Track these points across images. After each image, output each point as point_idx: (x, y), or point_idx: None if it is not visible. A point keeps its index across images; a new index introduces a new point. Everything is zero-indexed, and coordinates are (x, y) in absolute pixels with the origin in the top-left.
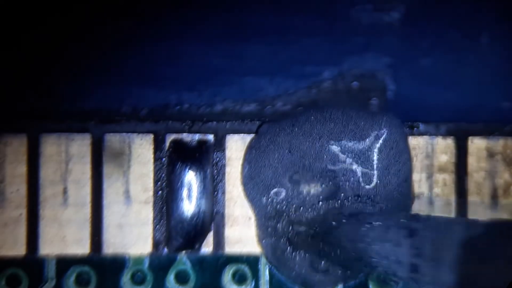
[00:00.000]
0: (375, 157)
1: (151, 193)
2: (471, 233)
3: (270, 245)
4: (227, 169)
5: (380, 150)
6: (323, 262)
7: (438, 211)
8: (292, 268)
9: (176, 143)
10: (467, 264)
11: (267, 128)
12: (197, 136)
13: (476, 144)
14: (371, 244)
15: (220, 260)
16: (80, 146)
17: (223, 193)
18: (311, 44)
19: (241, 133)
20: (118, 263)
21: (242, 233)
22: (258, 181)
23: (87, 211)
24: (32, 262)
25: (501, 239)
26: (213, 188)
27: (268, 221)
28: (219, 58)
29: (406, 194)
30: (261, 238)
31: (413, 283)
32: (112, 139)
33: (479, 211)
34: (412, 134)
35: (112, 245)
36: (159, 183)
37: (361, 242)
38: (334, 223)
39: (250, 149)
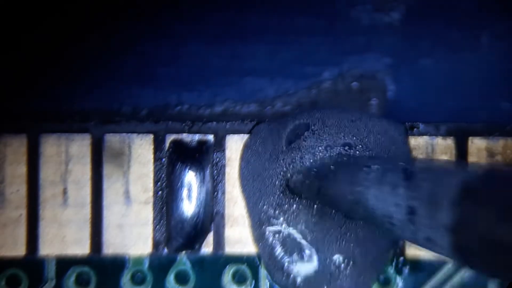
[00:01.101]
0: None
1: (151, 193)
2: (469, 177)
3: (268, 247)
4: (227, 169)
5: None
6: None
7: None
8: (289, 272)
9: (176, 144)
10: (464, 207)
11: (262, 128)
12: (197, 137)
13: (476, 145)
14: (369, 188)
15: (220, 261)
16: (80, 147)
17: (223, 193)
18: (311, 44)
19: (241, 133)
20: (118, 264)
21: (242, 234)
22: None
23: (87, 211)
24: (32, 262)
25: (501, 183)
26: (213, 188)
27: (265, 223)
28: (219, 58)
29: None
30: (257, 240)
31: (410, 225)
32: (112, 140)
33: None
34: (412, 135)
35: (112, 246)
36: (159, 183)
37: (358, 185)
38: (332, 166)
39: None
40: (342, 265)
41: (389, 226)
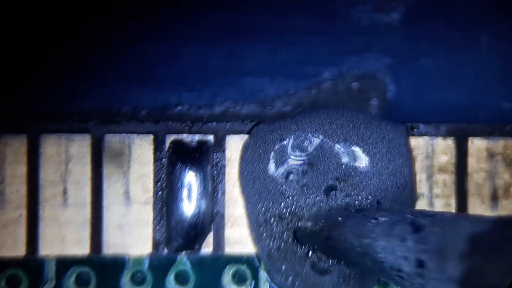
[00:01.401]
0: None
1: (151, 193)
2: (477, 229)
3: (266, 249)
4: (227, 169)
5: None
6: (324, 262)
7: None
8: (288, 273)
9: (176, 144)
10: (474, 260)
11: (262, 128)
12: (197, 137)
13: (476, 145)
14: (376, 240)
15: (220, 261)
16: (80, 147)
17: (223, 193)
18: (311, 44)
19: (241, 133)
20: (118, 264)
21: (242, 234)
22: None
23: (87, 211)
24: (32, 262)
25: (508, 235)
26: (213, 188)
27: (263, 224)
28: (219, 58)
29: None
30: (256, 241)
31: (419, 279)
32: (112, 140)
33: (479, 211)
34: (412, 135)
35: (112, 246)
36: (159, 183)
37: (366, 237)
38: (340, 218)
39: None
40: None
41: (397, 279)
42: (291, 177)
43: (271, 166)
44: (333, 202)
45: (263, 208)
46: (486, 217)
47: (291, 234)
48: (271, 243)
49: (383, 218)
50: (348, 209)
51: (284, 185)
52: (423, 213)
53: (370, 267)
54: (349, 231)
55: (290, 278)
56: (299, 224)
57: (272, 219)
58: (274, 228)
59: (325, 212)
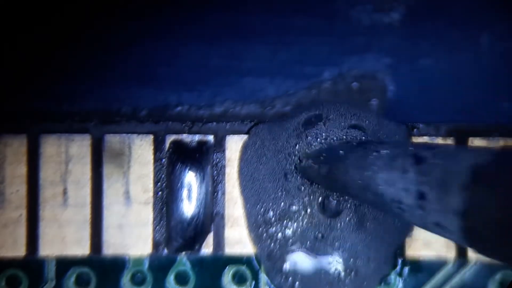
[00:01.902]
0: None
1: (151, 194)
2: (480, 161)
3: (266, 250)
4: (227, 170)
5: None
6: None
7: None
8: (288, 275)
9: (176, 144)
10: (476, 192)
11: (261, 128)
12: (197, 137)
13: (476, 145)
14: (378, 172)
15: (220, 261)
16: (80, 147)
17: (223, 194)
18: (311, 44)
19: (241, 134)
20: (118, 264)
21: (242, 234)
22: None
23: (87, 212)
24: (32, 263)
25: (511, 167)
26: (213, 189)
27: (262, 225)
28: (219, 58)
29: None
30: (256, 242)
31: (420, 210)
32: (112, 140)
33: None
34: (412, 135)
35: (112, 246)
36: (159, 184)
37: (368, 170)
38: (341, 151)
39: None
40: (343, 273)
41: (398, 211)
42: (290, 177)
43: (270, 167)
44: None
45: (262, 209)
46: (489, 149)
47: (293, 169)
48: (272, 244)
49: (385, 151)
50: (349, 142)
51: (283, 186)
52: (425, 146)
53: (371, 200)
54: (350, 164)
55: (290, 278)
56: (301, 162)
57: (272, 219)
58: (274, 229)
59: (327, 146)
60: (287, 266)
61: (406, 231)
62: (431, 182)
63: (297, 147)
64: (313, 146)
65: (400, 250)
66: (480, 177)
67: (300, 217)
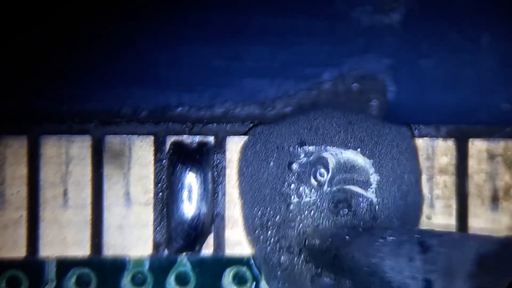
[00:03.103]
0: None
1: (151, 195)
2: (485, 249)
3: (263, 252)
4: (227, 171)
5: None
6: (324, 277)
7: (439, 213)
8: (284, 280)
9: (176, 145)
10: (481, 280)
11: (261, 130)
12: (197, 138)
13: (477, 146)
14: (384, 259)
15: (221, 262)
16: (80, 148)
17: (224, 195)
18: (311, 45)
19: (242, 135)
20: (118, 265)
21: (242, 235)
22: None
23: (87, 213)
24: (32, 264)
25: None
26: (213, 190)
27: (258, 227)
28: (219, 59)
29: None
30: (253, 245)
31: None
32: (112, 141)
33: (480, 213)
34: (414, 136)
35: (112, 247)
36: (159, 185)
37: (374, 256)
38: (347, 237)
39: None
40: None
41: None
42: (289, 181)
43: (269, 170)
44: (338, 217)
45: (259, 212)
46: (493, 237)
47: (297, 251)
48: (268, 248)
49: (391, 238)
50: (355, 228)
51: (282, 191)
52: (430, 233)
53: (378, 287)
54: (356, 250)
55: (287, 284)
56: (306, 242)
57: (269, 223)
58: (270, 233)
59: (332, 231)
60: (284, 271)
61: None
62: (438, 270)
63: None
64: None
65: None
66: (485, 266)
67: (297, 222)
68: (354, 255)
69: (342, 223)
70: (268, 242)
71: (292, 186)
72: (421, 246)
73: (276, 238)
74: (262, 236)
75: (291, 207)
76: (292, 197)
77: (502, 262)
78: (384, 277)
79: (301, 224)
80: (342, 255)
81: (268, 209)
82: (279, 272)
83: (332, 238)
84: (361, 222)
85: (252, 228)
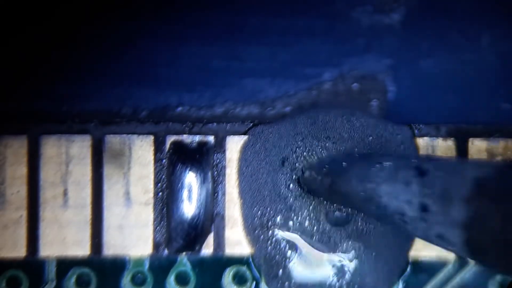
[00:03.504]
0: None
1: (151, 194)
2: (482, 174)
3: (263, 252)
4: (228, 170)
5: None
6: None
7: None
8: (284, 280)
9: (176, 145)
10: (478, 204)
11: (261, 129)
12: (197, 138)
13: (477, 146)
14: (381, 184)
15: (221, 262)
16: (80, 148)
17: (224, 194)
18: (311, 45)
19: (242, 134)
20: (118, 265)
21: (242, 235)
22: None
23: (87, 212)
24: (32, 263)
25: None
26: (213, 189)
27: (258, 227)
28: (219, 59)
29: None
30: (253, 245)
31: (423, 223)
32: (112, 141)
33: None
34: (415, 136)
35: (112, 247)
36: (159, 184)
37: (370, 182)
38: (344, 163)
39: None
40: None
41: (401, 223)
42: (288, 182)
43: (268, 170)
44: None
45: (259, 212)
46: (492, 162)
47: (296, 182)
48: (268, 247)
49: (388, 163)
50: (352, 154)
51: (281, 190)
52: (428, 158)
53: (373, 212)
54: (353, 176)
55: (286, 283)
56: (304, 173)
57: (269, 223)
58: (270, 233)
59: (329, 158)
60: (283, 271)
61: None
62: (434, 194)
63: (296, 152)
64: (314, 154)
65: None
66: (482, 190)
67: (298, 224)
68: (351, 181)
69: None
70: (268, 242)
71: (291, 186)
72: (418, 170)
73: (276, 238)
74: (262, 236)
75: (291, 207)
76: (292, 197)
77: (500, 187)
78: (380, 202)
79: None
80: (338, 182)
81: (268, 209)
82: (279, 272)
83: (328, 164)
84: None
85: (252, 228)
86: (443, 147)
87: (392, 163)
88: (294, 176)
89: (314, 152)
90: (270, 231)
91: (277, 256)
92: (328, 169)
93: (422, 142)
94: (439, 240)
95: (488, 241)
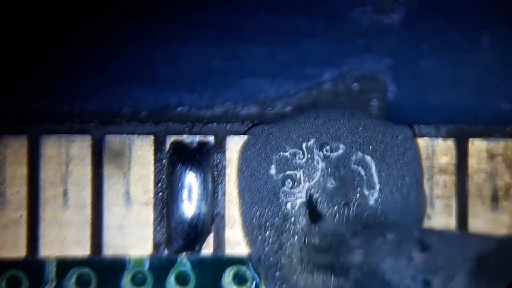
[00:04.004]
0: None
1: (151, 194)
2: (485, 249)
3: (261, 253)
4: (227, 170)
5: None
6: (328, 279)
7: (439, 213)
8: (281, 281)
9: (176, 145)
10: (480, 280)
11: (261, 129)
12: (197, 138)
13: (477, 146)
14: (384, 258)
15: (221, 262)
16: (80, 148)
17: (224, 194)
18: (312, 45)
19: (242, 134)
20: (118, 265)
21: (242, 235)
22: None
23: (87, 212)
24: (32, 263)
25: None
26: (213, 189)
27: (256, 228)
28: (219, 59)
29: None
30: (251, 245)
31: None
32: (113, 141)
33: (480, 212)
34: (415, 135)
35: (112, 247)
36: (159, 184)
37: (374, 255)
38: (347, 235)
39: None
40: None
41: None
42: (288, 183)
43: (268, 170)
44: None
45: (257, 212)
46: (493, 236)
47: (297, 250)
48: (266, 248)
49: (391, 236)
50: (356, 226)
51: (280, 192)
52: (430, 232)
53: (375, 285)
54: (356, 248)
55: (284, 285)
56: (305, 240)
57: (267, 224)
58: (269, 233)
59: (332, 229)
60: (281, 273)
61: None
62: (437, 270)
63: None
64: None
65: None
66: (485, 266)
67: (294, 226)
68: (354, 254)
69: (343, 221)
70: (266, 243)
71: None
72: (421, 244)
73: (275, 238)
74: (260, 237)
75: (290, 207)
76: (292, 197)
77: (502, 262)
78: (383, 277)
79: (299, 225)
80: (341, 254)
81: (267, 209)
82: (277, 273)
83: (332, 236)
84: (362, 221)
85: (250, 228)
86: (443, 147)
87: (396, 237)
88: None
89: (314, 153)
90: (268, 232)
91: (275, 257)
92: (331, 241)
93: (422, 142)
94: None
95: None
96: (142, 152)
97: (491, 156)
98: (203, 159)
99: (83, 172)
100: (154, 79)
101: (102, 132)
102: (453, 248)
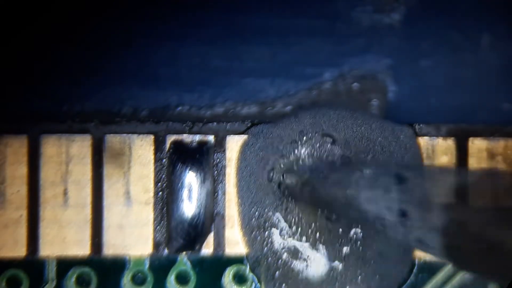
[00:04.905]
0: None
1: (151, 194)
2: (463, 181)
3: (258, 254)
4: (228, 170)
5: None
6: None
7: None
8: (280, 282)
9: (176, 144)
10: (456, 211)
11: (260, 129)
12: (197, 137)
13: (477, 145)
14: (361, 191)
15: (221, 261)
16: (80, 147)
17: (224, 194)
18: (312, 45)
19: (242, 134)
20: (118, 264)
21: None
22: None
23: (87, 212)
24: (32, 263)
25: (493, 187)
26: (213, 189)
27: (255, 229)
28: (220, 59)
29: None
30: (250, 246)
31: (402, 228)
32: (113, 140)
33: None
34: (416, 135)
35: (112, 246)
36: (159, 184)
37: (351, 188)
38: (325, 171)
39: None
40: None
41: (380, 227)
42: (286, 183)
43: (266, 171)
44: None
45: (256, 213)
46: (472, 170)
47: (276, 187)
48: (265, 249)
49: (368, 170)
50: (333, 162)
51: (278, 193)
52: (408, 166)
53: (355, 217)
54: (333, 183)
55: (284, 285)
56: (284, 177)
57: (266, 224)
58: (267, 234)
59: (310, 165)
60: (280, 273)
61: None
62: (413, 201)
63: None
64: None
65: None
66: (462, 197)
67: (294, 225)
68: (331, 188)
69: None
70: (265, 243)
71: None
72: (398, 177)
73: (273, 238)
74: (259, 237)
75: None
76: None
77: (480, 193)
78: (360, 209)
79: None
80: (319, 189)
81: (266, 210)
82: (276, 273)
83: (309, 172)
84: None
85: (249, 228)
86: (443, 146)
87: (373, 171)
88: (275, 185)
89: (314, 153)
90: (267, 232)
91: (274, 258)
92: (309, 177)
93: (422, 142)
94: (419, 244)
95: (467, 246)
96: (142, 151)
97: (491, 155)
98: (203, 158)
99: (83, 171)
100: (154, 79)
101: (102, 132)
102: (429, 181)
